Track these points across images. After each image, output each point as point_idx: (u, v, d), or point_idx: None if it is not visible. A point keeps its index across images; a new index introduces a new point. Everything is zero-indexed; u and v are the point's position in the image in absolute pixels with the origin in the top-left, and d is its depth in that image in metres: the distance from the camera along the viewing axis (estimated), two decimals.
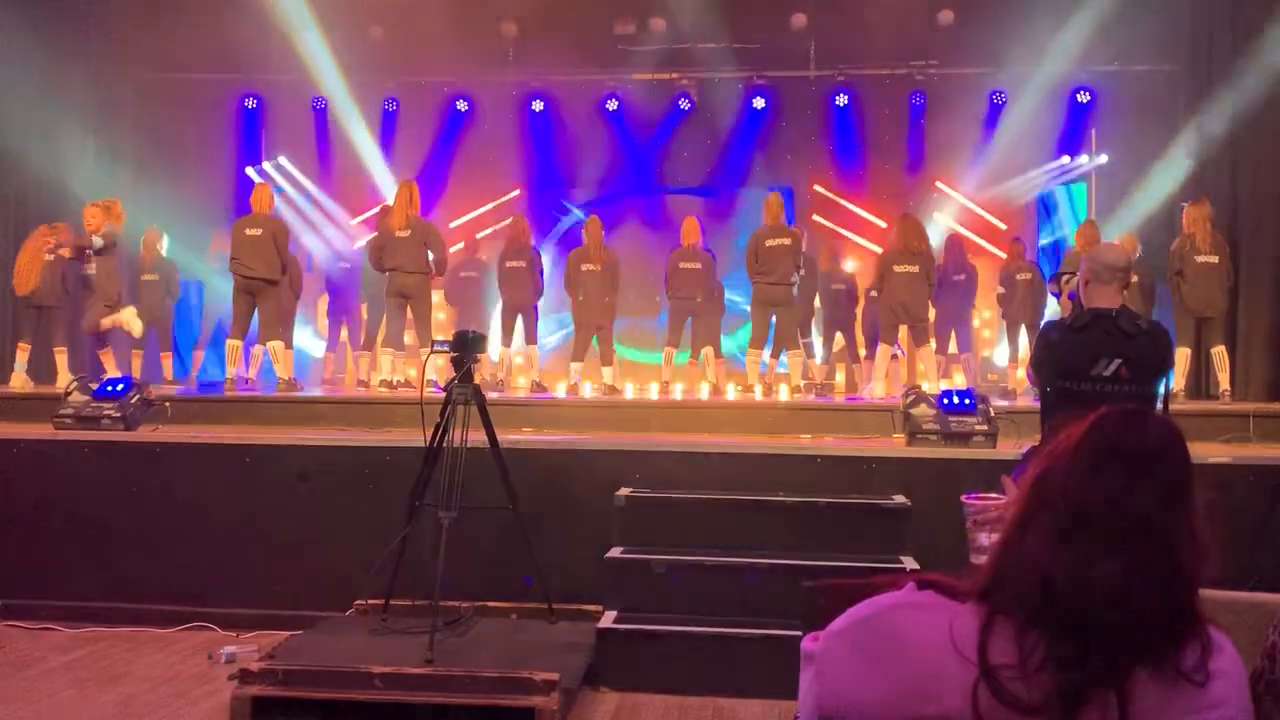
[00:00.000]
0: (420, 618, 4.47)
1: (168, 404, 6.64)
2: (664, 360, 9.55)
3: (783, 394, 9.02)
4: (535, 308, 9.55)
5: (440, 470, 4.52)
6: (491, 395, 5.17)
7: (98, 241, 8.26)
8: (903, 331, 9.20)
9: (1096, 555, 1.21)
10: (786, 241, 8.88)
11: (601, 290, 9.09)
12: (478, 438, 4.63)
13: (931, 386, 8.01)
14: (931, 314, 9.06)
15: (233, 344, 8.38)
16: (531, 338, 9.49)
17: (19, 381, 8.25)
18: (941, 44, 11.16)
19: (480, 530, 4.74)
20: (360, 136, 12.23)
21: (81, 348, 9.08)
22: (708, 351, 9.66)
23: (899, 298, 8.62)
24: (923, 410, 5.82)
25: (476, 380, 4.81)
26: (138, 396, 6.18)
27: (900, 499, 4.99)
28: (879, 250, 10.56)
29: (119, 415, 5.98)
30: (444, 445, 4.55)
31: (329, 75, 11.54)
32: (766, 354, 9.12)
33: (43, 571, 5.42)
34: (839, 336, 10.78)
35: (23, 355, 8.41)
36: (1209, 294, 8.03)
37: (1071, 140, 11.51)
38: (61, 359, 8.57)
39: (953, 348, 10.18)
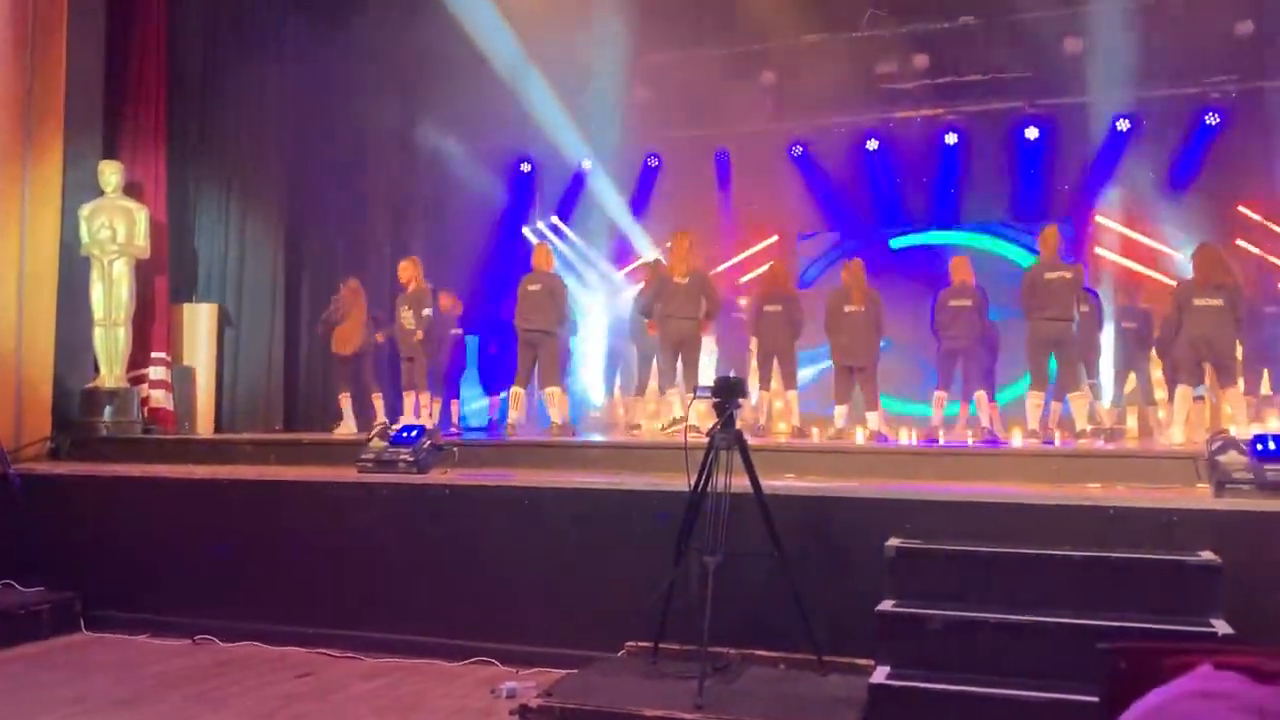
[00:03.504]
0: (689, 662, 4.49)
1: (455, 449, 7.09)
2: (935, 405, 9.20)
3: (1065, 440, 8.41)
4: (793, 352, 9.50)
5: (705, 515, 4.54)
6: (752, 440, 5.16)
7: (427, 314, 9.27)
8: (1208, 372, 8.35)
9: None
10: (1067, 275, 8.35)
11: (865, 332, 8.90)
12: (741, 483, 4.62)
13: (1240, 431, 7.21)
14: (1239, 351, 8.20)
15: (515, 391, 8.93)
16: (791, 383, 9.42)
17: (348, 430, 9.19)
18: (1241, 57, 10.21)
19: (745, 576, 4.72)
20: (624, 192, 12.74)
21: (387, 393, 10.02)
22: (980, 395, 9.20)
23: (1201, 333, 7.87)
24: (1233, 457, 5.24)
25: (739, 425, 4.82)
26: (429, 442, 6.65)
27: (1209, 555, 4.50)
28: (1173, 283, 9.70)
29: (412, 459, 6.45)
30: (708, 490, 4.58)
31: (595, 136, 12.11)
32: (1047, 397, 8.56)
33: (347, 604, 5.91)
34: (1132, 377, 9.97)
35: (347, 403, 9.43)
36: None
37: None
38: (379, 403, 9.51)
39: (1265, 388, 9.16)
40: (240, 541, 6.22)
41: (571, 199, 13.31)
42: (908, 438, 9.09)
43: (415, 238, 11.81)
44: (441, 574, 5.77)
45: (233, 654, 5.78)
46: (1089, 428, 8.71)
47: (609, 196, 12.85)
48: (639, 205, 12.86)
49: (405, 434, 6.68)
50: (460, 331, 10.75)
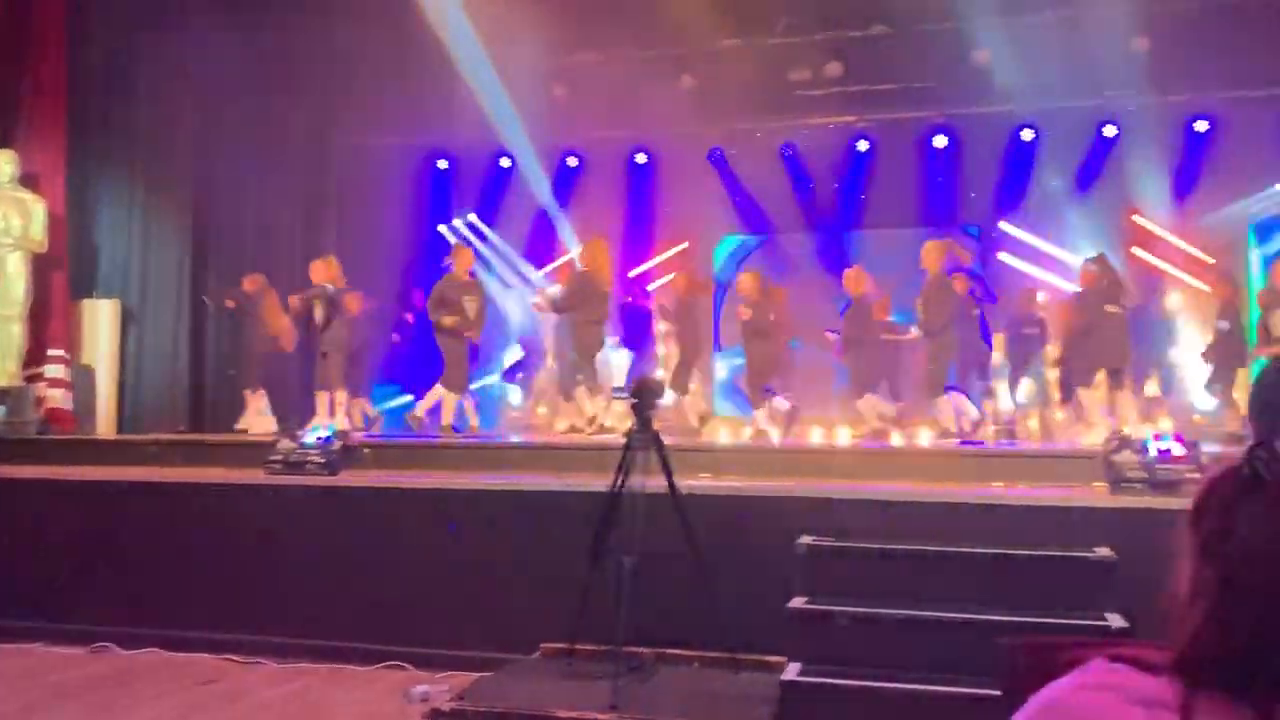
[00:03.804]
0: (604, 663, 4.50)
1: (367, 450, 6.99)
2: (867, 408, 9.47)
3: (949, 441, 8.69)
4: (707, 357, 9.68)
5: (621, 516, 4.56)
6: (670, 440, 5.20)
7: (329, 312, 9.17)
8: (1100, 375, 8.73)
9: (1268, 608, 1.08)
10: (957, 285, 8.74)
11: (782, 339, 9.14)
12: (658, 484, 4.66)
13: (1132, 431, 7.55)
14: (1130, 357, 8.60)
15: (436, 391, 8.93)
16: (697, 386, 9.63)
17: (249, 424, 9.01)
18: (1135, 72, 10.61)
19: (661, 576, 4.74)
20: (543, 192, 12.69)
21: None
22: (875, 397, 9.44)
23: (1106, 339, 8.25)
24: (1127, 457, 5.46)
25: (675, 425, 4.86)
26: (340, 443, 6.54)
27: (1104, 552, 4.68)
28: (1075, 290, 10.06)
29: (323, 461, 6.33)
30: (624, 491, 4.60)
31: (514, 135, 12.04)
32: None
33: (255, 609, 5.77)
34: (1030, 381, 10.31)
35: (258, 400, 9.23)
36: None
37: None
38: (258, 401, 9.34)
39: (1154, 389, 9.57)
40: (142, 545, 6.03)
41: (490, 197, 13.19)
42: (821, 437, 9.26)
43: (328, 234, 11.59)
44: (353, 577, 5.68)
45: (134, 662, 5.60)
46: (993, 428, 9.01)
47: (528, 195, 12.79)
48: (559, 204, 12.81)
49: (316, 435, 6.56)
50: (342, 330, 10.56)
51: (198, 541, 5.95)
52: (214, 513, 6.03)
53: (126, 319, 9.50)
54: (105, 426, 9.07)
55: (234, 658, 5.59)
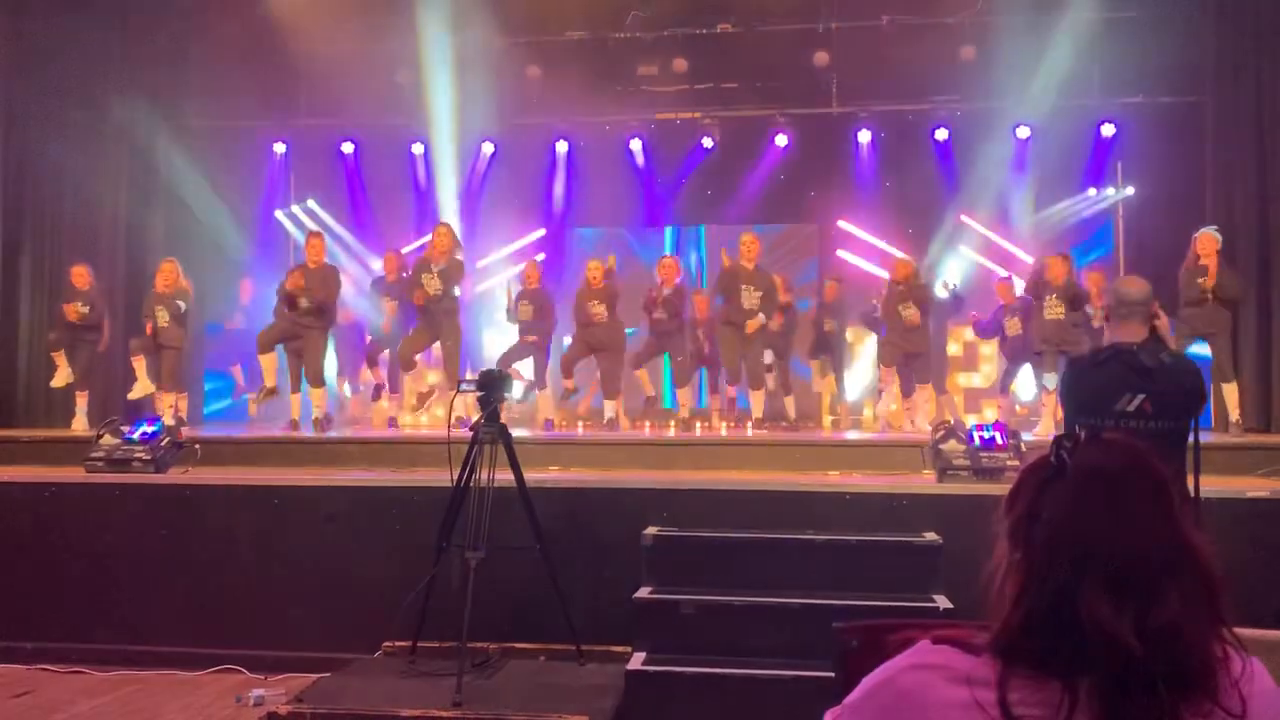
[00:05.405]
0: (448, 659, 4.44)
1: (197, 445, 6.68)
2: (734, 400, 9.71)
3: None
4: (547, 349, 9.62)
5: (467, 510, 4.51)
6: (518, 433, 5.17)
7: (182, 305, 8.72)
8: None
9: (1081, 593, 1.17)
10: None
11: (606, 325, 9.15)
12: (505, 477, 4.62)
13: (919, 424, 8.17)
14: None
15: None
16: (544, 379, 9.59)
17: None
18: (963, 79, 11.17)
19: (508, 570, 4.72)
20: (388, 179, 12.39)
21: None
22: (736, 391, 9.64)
23: (901, 335, 8.85)
24: (953, 446, 5.75)
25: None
26: (168, 439, 6.23)
27: (931, 536, 4.92)
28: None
29: (149, 458, 6.02)
30: (470, 485, 4.55)
31: (357, 121, 11.71)
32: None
33: (73, 614, 5.45)
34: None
35: (83, 401, 8.68)
36: None
37: (1098, 173, 11.44)
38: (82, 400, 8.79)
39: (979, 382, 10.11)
40: None
41: (334, 183, 12.75)
42: (666, 429, 9.37)
43: (156, 219, 10.97)
44: (182, 579, 5.43)
45: None
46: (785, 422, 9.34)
47: (373, 182, 12.46)
48: (406, 192, 12.50)
49: (141, 430, 6.23)
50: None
51: (6, 545, 5.56)
52: (25, 514, 5.64)
53: None
54: None
55: (50, 667, 5.25)
